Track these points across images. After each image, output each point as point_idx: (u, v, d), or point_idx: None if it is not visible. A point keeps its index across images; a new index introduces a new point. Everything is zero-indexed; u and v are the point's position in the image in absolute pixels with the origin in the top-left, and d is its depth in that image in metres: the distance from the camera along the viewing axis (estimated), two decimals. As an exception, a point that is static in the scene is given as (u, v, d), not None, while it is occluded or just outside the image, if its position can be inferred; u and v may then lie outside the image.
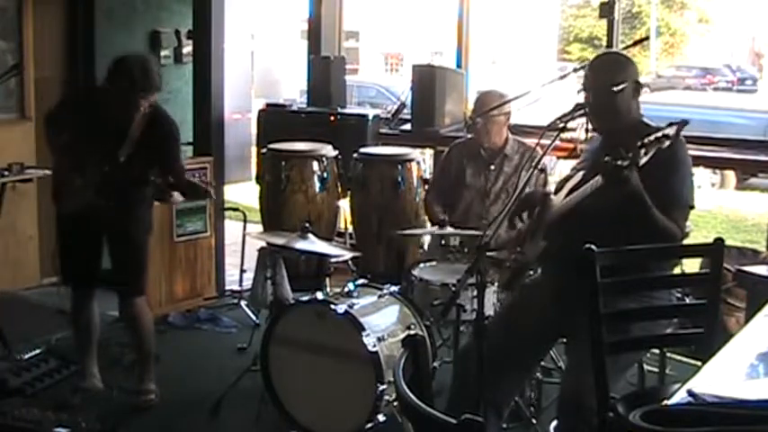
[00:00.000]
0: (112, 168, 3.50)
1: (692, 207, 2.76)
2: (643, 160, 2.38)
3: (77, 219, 3.59)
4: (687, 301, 3.30)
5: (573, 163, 3.30)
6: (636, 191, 2.50)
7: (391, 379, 3.05)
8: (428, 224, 4.36)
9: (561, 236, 2.77)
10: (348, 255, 3.88)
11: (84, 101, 3.75)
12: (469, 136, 4.31)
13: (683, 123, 2.42)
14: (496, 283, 3.40)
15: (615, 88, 2.75)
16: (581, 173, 2.84)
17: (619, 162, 2.39)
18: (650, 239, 2.61)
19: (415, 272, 3.68)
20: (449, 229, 3.78)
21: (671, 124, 2.42)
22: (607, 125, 2.85)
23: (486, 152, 4.13)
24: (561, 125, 2.83)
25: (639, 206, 2.55)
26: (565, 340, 2.98)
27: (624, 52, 3.14)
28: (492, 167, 4.11)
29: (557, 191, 2.99)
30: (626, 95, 2.78)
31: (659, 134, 2.38)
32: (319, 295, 3.42)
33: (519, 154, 4.12)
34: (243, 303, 5.01)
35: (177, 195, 3.60)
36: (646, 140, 2.38)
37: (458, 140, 4.41)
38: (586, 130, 3.64)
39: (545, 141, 2.98)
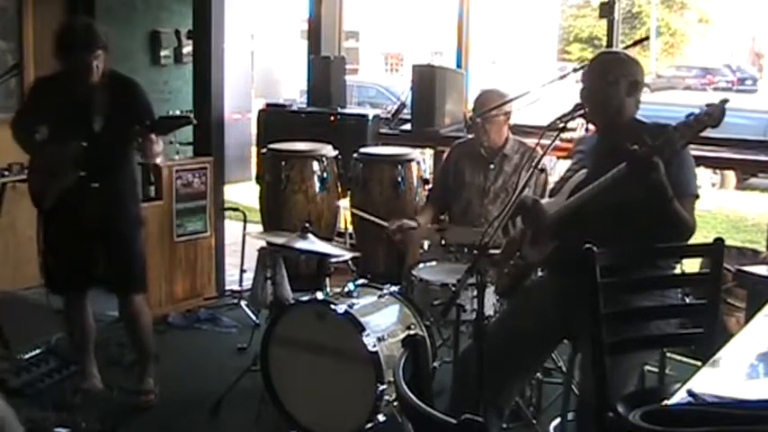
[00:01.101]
0: (92, 142, 3.47)
1: (697, 196, 2.76)
2: (682, 142, 2.38)
3: (67, 224, 3.58)
4: (687, 301, 3.30)
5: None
6: (662, 180, 2.50)
7: (391, 379, 3.05)
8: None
9: (574, 233, 2.74)
10: (348, 255, 3.88)
11: (43, 91, 3.69)
12: (470, 136, 4.30)
13: (725, 101, 2.42)
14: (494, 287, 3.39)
15: (608, 77, 2.77)
16: (584, 170, 2.83)
17: (645, 150, 2.40)
18: (668, 231, 2.61)
19: (415, 272, 3.67)
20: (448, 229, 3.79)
21: (708, 105, 2.42)
22: (598, 119, 2.86)
23: (486, 151, 4.12)
24: (561, 125, 2.83)
25: (662, 196, 2.54)
26: (568, 341, 2.97)
27: (628, 52, 3.14)
28: (492, 167, 4.10)
29: (554, 192, 2.98)
30: (619, 91, 2.78)
31: (701, 114, 2.38)
32: (319, 295, 3.42)
33: (519, 154, 4.11)
34: (243, 303, 5.01)
35: (157, 144, 3.50)
36: (681, 124, 2.38)
37: (458, 141, 4.41)
38: (586, 130, 3.64)
39: (545, 141, 2.98)
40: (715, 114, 2.40)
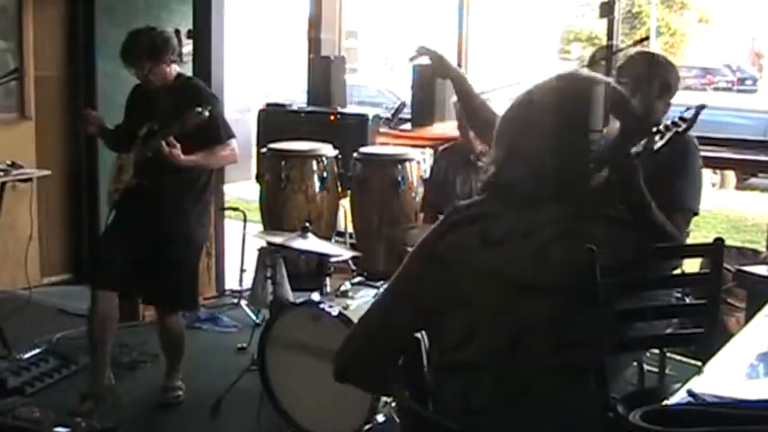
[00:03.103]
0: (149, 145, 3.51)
1: (695, 213, 2.75)
2: (658, 144, 2.37)
3: (126, 226, 3.62)
4: (687, 301, 3.30)
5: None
6: (639, 185, 2.49)
7: (391, 379, 3.04)
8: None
9: None
10: (348, 254, 3.88)
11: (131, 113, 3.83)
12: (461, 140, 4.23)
13: (701, 107, 2.41)
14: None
15: (642, 77, 2.78)
16: None
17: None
18: (649, 239, 2.60)
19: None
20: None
21: (688, 109, 2.42)
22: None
23: (474, 157, 4.07)
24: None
25: (639, 200, 2.53)
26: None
27: (666, 55, 3.14)
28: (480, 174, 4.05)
29: None
30: (650, 93, 2.79)
31: (676, 118, 2.37)
32: (314, 297, 3.41)
33: None
34: (243, 303, 5.01)
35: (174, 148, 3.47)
36: (662, 126, 2.38)
37: (444, 146, 4.37)
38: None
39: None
40: (687, 119, 2.37)
